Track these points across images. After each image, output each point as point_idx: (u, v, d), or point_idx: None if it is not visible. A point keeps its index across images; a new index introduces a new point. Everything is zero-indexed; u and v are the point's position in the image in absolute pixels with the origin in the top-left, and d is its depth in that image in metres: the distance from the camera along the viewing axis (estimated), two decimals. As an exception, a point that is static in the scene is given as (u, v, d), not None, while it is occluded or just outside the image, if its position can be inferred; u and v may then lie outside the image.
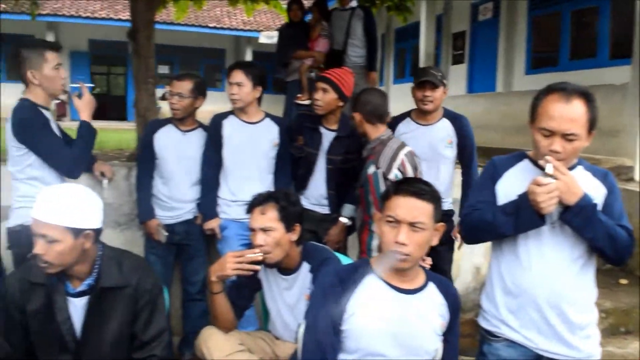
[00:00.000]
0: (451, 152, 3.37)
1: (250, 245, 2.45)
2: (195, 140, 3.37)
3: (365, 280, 1.97)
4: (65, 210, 2.00)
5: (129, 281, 2.15)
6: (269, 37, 16.98)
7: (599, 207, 1.96)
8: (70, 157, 2.76)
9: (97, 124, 2.97)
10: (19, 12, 13.41)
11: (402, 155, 2.87)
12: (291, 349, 2.44)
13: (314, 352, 1.93)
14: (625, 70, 6.82)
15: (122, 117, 17.41)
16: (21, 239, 2.66)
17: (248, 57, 18.54)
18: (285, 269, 2.49)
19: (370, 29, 5.82)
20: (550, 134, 1.90)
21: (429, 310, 1.99)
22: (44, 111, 2.79)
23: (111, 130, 9.09)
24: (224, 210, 3.31)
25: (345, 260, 2.71)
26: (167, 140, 3.35)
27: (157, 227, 3.31)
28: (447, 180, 3.38)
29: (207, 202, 3.33)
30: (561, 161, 1.89)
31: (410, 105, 3.42)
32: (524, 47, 10.06)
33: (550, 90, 1.94)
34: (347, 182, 3.26)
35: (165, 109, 3.70)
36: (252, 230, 2.40)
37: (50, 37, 15.54)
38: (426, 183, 1.99)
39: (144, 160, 3.40)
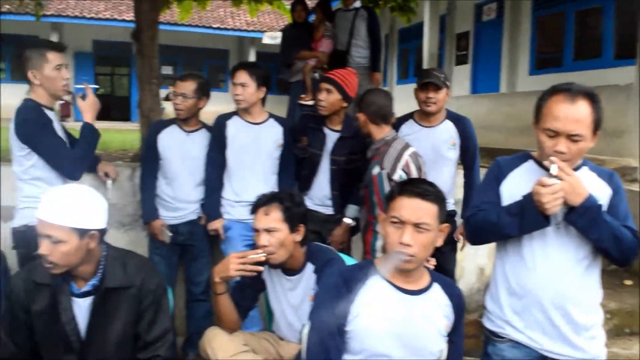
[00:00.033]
0: (454, 154, 3.38)
1: (254, 246, 2.45)
2: (199, 141, 3.37)
3: (369, 281, 1.96)
4: (70, 210, 2.00)
5: (133, 281, 2.16)
6: (272, 38, 17.00)
7: (604, 208, 1.95)
8: (71, 158, 2.75)
9: (100, 125, 2.97)
10: (24, 13, 13.48)
11: (406, 156, 2.87)
12: (295, 349, 2.44)
13: (318, 353, 1.93)
14: (629, 71, 6.80)
15: (126, 118, 17.44)
16: (26, 239, 2.66)
17: (251, 57, 18.55)
18: (289, 269, 2.49)
19: (374, 29, 5.83)
20: (555, 134, 1.90)
21: (434, 311, 1.98)
22: (47, 111, 2.79)
23: (115, 131, 9.10)
24: (228, 210, 3.31)
25: (349, 261, 2.71)
26: (170, 141, 3.35)
27: (161, 228, 3.32)
28: (450, 181, 3.38)
29: (211, 202, 3.33)
30: (566, 162, 1.89)
31: (414, 106, 3.42)
32: (528, 48, 10.05)
33: (555, 90, 1.94)
34: (351, 182, 3.26)
35: (169, 109, 3.70)
36: (256, 230, 2.40)
37: (54, 38, 15.56)
38: (430, 184, 1.99)
39: (148, 160, 3.40)
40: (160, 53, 4.50)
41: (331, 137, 3.30)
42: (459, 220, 3.41)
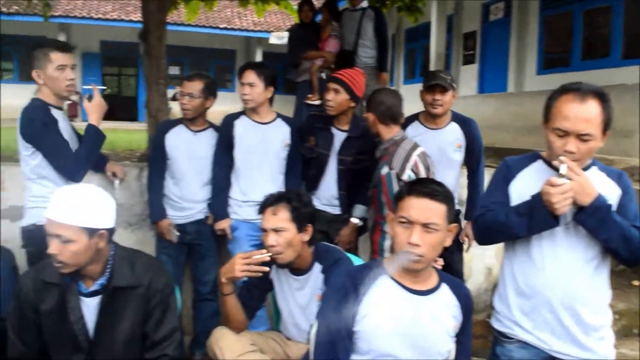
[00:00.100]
0: (459, 156, 3.38)
1: (261, 246, 2.45)
2: (206, 141, 3.38)
3: (377, 281, 1.96)
4: (79, 210, 2.01)
5: (141, 281, 2.16)
6: (279, 38, 17.00)
7: (614, 208, 1.94)
8: (73, 159, 2.73)
9: (108, 125, 2.97)
10: (32, 14, 13.55)
11: (415, 156, 2.86)
12: (302, 349, 2.44)
13: (326, 353, 1.92)
14: (637, 71, 6.78)
15: (133, 118, 17.50)
16: (35, 238, 2.67)
17: (258, 57, 18.57)
18: (297, 269, 2.49)
19: (381, 29, 5.82)
20: (565, 134, 1.89)
21: (442, 311, 1.97)
22: (54, 111, 2.79)
23: (122, 131, 9.15)
24: (235, 210, 3.32)
25: (356, 261, 2.70)
26: (178, 141, 3.36)
27: (168, 227, 3.33)
28: (454, 182, 3.37)
29: (218, 202, 3.33)
30: (575, 162, 1.88)
31: (421, 106, 3.41)
32: (536, 47, 10.01)
33: (564, 90, 1.93)
34: (358, 182, 3.25)
35: (176, 109, 3.71)
36: (264, 230, 2.40)
37: (62, 39, 15.63)
38: (439, 184, 1.98)
39: (155, 160, 3.41)
40: (167, 53, 4.52)
41: (339, 137, 3.30)
42: (463, 221, 3.41)
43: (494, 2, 11.18)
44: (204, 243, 3.42)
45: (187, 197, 3.37)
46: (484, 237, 2.15)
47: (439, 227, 1.87)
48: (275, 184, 3.27)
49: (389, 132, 2.99)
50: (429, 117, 3.36)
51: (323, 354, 1.94)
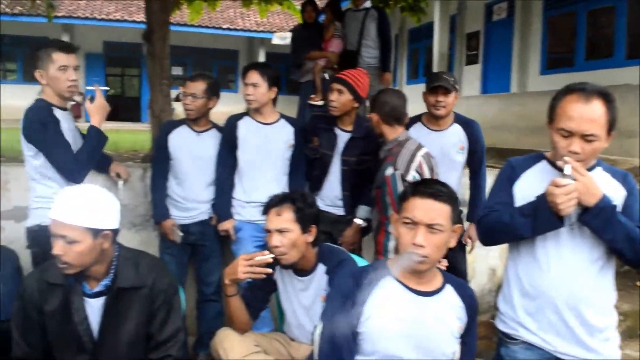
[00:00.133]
0: (462, 157, 3.38)
1: (264, 247, 2.45)
2: (210, 141, 3.38)
3: (382, 282, 1.96)
4: (84, 210, 2.01)
5: (145, 282, 2.16)
6: (282, 38, 17.02)
7: (619, 209, 1.94)
8: (73, 160, 2.72)
9: (111, 125, 2.97)
10: (35, 15, 13.57)
11: (419, 157, 2.85)
12: (307, 350, 2.44)
13: (331, 354, 1.92)
14: (640, 71, 6.75)
15: (136, 119, 17.56)
16: (39, 238, 2.68)
17: (261, 58, 18.58)
18: (301, 270, 2.49)
19: (384, 29, 5.81)
20: (569, 134, 1.88)
21: (447, 312, 1.97)
22: (58, 111, 2.79)
23: (125, 132, 9.16)
24: (239, 211, 3.32)
25: (360, 262, 2.70)
26: (181, 141, 3.36)
27: (172, 228, 3.33)
28: (456, 183, 3.37)
29: (222, 203, 3.33)
30: (580, 162, 1.87)
31: (424, 106, 3.40)
32: (539, 47, 9.99)
33: (569, 90, 1.93)
34: (362, 183, 3.25)
35: (179, 110, 3.72)
36: (268, 231, 2.40)
37: (65, 39, 15.64)
38: (443, 184, 1.98)
39: (159, 161, 3.42)
40: (170, 54, 4.52)
41: (342, 137, 3.29)
42: (465, 223, 3.41)
43: (497, 2, 11.16)
44: (207, 244, 3.42)
45: (190, 197, 3.37)
46: (488, 238, 2.14)
47: (443, 227, 1.87)
48: (279, 184, 3.28)
49: (393, 133, 2.99)
50: (431, 119, 3.36)
51: (327, 355, 1.94)
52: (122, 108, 17.17)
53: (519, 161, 2.14)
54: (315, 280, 2.48)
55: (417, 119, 3.42)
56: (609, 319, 2.05)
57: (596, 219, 1.89)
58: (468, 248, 3.47)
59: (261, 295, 2.57)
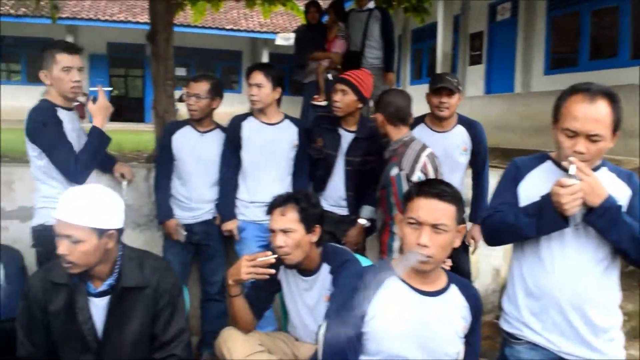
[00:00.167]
0: (465, 159, 3.39)
1: (268, 247, 2.45)
2: (213, 141, 3.39)
3: (386, 282, 1.96)
4: (89, 210, 2.02)
5: (150, 281, 2.17)
6: (285, 39, 17.02)
7: (624, 209, 1.93)
8: (74, 161, 2.71)
9: (115, 126, 2.98)
10: (39, 16, 13.61)
11: (424, 157, 2.85)
12: (311, 350, 2.44)
13: (335, 354, 1.92)
14: (646, 70, 6.73)
15: (140, 119, 17.58)
16: (43, 238, 2.70)
17: (264, 59, 18.58)
18: (305, 270, 2.49)
19: (388, 30, 5.81)
20: (574, 134, 1.88)
21: (451, 312, 1.97)
22: (61, 112, 2.79)
23: (129, 132, 9.16)
24: (242, 212, 3.32)
25: (364, 262, 2.70)
26: (185, 142, 3.36)
27: (176, 227, 3.33)
28: (459, 184, 3.36)
29: (225, 203, 3.33)
30: (585, 162, 1.87)
31: (428, 106, 3.40)
32: (543, 48, 9.97)
33: (574, 90, 1.92)
34: (366, 183, 3.25)
35: (182, 110, 3.72)
36: (272, 231, 2.40)
37: (69, 40, 15.67)
38: (448, 184, 1.97)
39: (162, 161, 3.42)
40: (174, 55, 4.52)
41: (346, 138, 3.29)
42: (468, 223, 3.40)
43: (500, 2, 11.14)
44: (211, 243, 3.42)
45: (194, 197, 3.38)
46: (493, 238, 2.14)
47: (448, 227, 1.86)
48: (283, 184, 3.28)
49: (397, 133, 2.99)
50: (435, 120, 3.36)
51: (331, 354, 1.94)
52: (126, 108, 17.23)
53: (524, 161, 2.13)
54: (320, 280, 2.48)
55: (420, 120, 3.42)
56: (614, 319, 2.04)
57: (601, 219, 1.88)
58: (471, 249, 3.47)
59: (265, 295, 2.57)
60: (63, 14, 14.89)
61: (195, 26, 12.03)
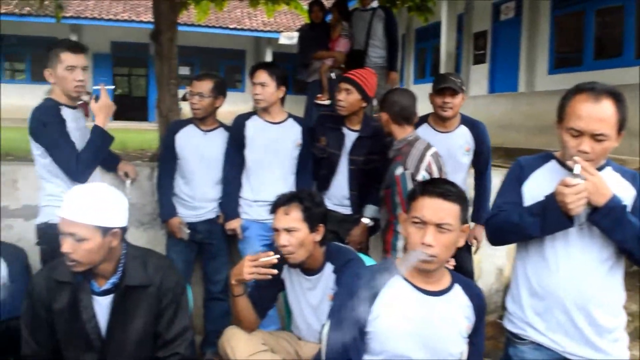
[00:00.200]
0: (468, 159, 3.39)
1: (271, 246, 2.45)
2: (217, 140, 3.39)
3: (390, 281, 1.95)
4: (94, 208, 2.02)
5: (153, 280, 2.17)
6: (289, 38, 17.03)
7: (628, 209, 1.92)
8: (75, 160, 2.71)
9: (118, 125, 2.99)
10: (43, 15, 13.65)
11: (428, 157, 2.84)
12: (314, 349, 2.44)
13: (339, 353, 1.92)
14: (651, 70, 6.70)
15: (144, 118, 17.62)
16: (47, 236, 2.71)
17: (268, 58, 18.60)
18: (308, 269, 2.49)
19: (391, 29, 5.81)
20: (579, 134, 1.87)
21: (455, 312, 1.96)
22: (65, 110, 2.80)
23: (132, 131, 9.18)
24: (246, 210, 3.32)
25: (367, 261, 2.70)
26: (188, 140, 3.37)
27: (179, 225, 3.33)
28: (461, 184, 3.36)
29: (229, 202, 3.33)
30: (590, 162, 1.86)
31: (431, 106, 3.40)
32: (547, 47, 9.95)
33: (578, 89, 1.92)
34: (369, 182, 3.25)
35: (186, 109, 3.73)
36: (276, 230, 2.40)
37: (73, 39, 15.71)
38: (452, 184, 1.97)
39: (165, 160, 3.43)
40: (178, 54, 4.53)
41: (350, 137, 3.29)
42: (470, 223, 3.40)
43: (504, 1, 11.13)
44: (215, 242, 3.43)
45: (198, 196, 3.38)
46: (497, 238, 2.13)
47: (452, 227, 1.86)
48: (287, 183, 3.28)
49: (402, 132, 2.98)
50: (438, 120, 3.35)
51: (335, 354, 1.94)
52: (130, 107, 17.25)
53: (528, 161, 2.13)
54: (323, 279, 2.48)
55: (423, 120, 3.41)
56: (618, 319, 2.03)
57: (606, 219, 1.88)
58: (473, 249, 3.46)
59: (269, 294, 2.57)
60: (67, 13, 14.93)
61: (199, 25, 12.03)
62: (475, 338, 2.03)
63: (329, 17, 6.14)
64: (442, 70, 10.09)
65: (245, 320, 2.45)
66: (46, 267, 2.28)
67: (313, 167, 3.40)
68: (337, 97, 3.24)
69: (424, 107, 3.45)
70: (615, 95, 1.88)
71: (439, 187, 1.91)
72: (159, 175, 3.45)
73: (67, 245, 2.01)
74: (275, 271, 2.37)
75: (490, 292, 4.27)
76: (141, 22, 16.58)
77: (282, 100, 3.32)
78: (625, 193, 1.96)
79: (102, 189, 2.12)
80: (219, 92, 3.35)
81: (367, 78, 3.23)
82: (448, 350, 1.95)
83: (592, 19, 9.08)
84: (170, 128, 3.50)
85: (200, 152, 3.35)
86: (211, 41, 18.63)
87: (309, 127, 3.42)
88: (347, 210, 3.33)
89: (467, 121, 3.38)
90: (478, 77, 11.79)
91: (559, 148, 2.02)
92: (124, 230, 2.14)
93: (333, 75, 5.78)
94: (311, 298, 2.51)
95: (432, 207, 1.86)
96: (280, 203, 2.42)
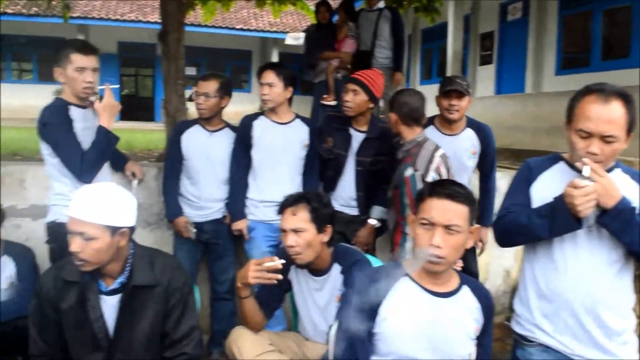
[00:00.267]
0: (473, 162, 3.39)
1: (278, 247, 2.45)
2: (222, 140, 3.39)
3: (398, 283, 1.95)
4: (103, 208, 2.02)
5: (160, 280, 2.17)
6: (295, 39, 17.03)
7: (637, 211, 1.91)
8: (79, 160, 2.70)
9: (125, 125, 2.99)
10: (51, 15, 13.71)
11: (437, 158, 2.84)
12: (321, 350, 2.44)
13: (346, 354, 1.92)
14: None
15: (150, 118, 17.68)
16: (55, 235, 2.72)
17: (274, 58, 18.63)
18: (316, 270, 2.49)
19: (398, 30, 5.80)
20: (588, 135, 1.87)
21: (463, 314, 1.96)
22: (76, 110, 2.80)
23: (139, 131, 9.21)
24: (252, 211, 3.32)
25: (374, 262, 2.69)
26: (194, 141, 3.37)
27: (185, 224, 3.34)
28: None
29: (235, 202, 3.34)
30: (599, 163, 1.85)
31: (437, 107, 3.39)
32: (554, 47, 9.92)
33: (588, 91, 1.91)
34: (376, 183, 3.25)
35: (192, 110, 3.73)
36: (283, 231, 2.40)
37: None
38: (460, 185, 1.96)
39: (171, 160, 3.43)
40: (184, 54, 4.54)
41: (357, 138, 3.29)
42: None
43: (511, 2, 11.09)
44: (221, 242, 3.43)
45: (204, 196, 3.38)
46: (505, 239, 2.12)
47: (460, 228, 1.85)
48: (293, 184, 3.27)
49: (411, 133, 2.98)
50: (444, 123, 3.35)
51: (342, 355, 1.94)
52: (137, 108, 17.33)
53: (537, 162, 2.12)
54: (330, 280, 2.48)
55: (429, 122, 3.41)
56: (627, 322, 2.02)
57: (615, 221, 1.87)
58: (478, 250, 3.46)
59: (276, 294, 2.56)
60: (74, 14, 14.99)
61: (206, 26, 12.08)
62: (483, 340, 2.02)
63: (336, 18, 6.14)
64: (449, 71, 10.06)
65: (252, 320, 2.45)
66: (54, 267, 2.29)
67: (320, 168, 3.39)
68: (344, 98, 3.24)
69: (432, 107, 3.45)
70: (625, 97, 1.87)
71: (448, 188, 1.90)
72: (164, 175, 3.46)
73: (75, 245, 2.01)
74: (279, 276, 2.35)
75: (498, 293, 4.25)
76: (148, 22, 16.64)
77: (290, 100, 3.31)
78: (635, 195, 1.94)
79: (111, 189, 2.12)
80: (225, 92, 3.35)
81: (374, 79, 3.22)
82: (456, 352, 1.94)
83: (599, 20, 9.04)
84: (176, 128, 3.51)
85: (205, 152, 3.35)
86: (218, 41, 18.66)
87: (316, 128, 3.42)
88: (354, 211, 3.33)
89: (473, 124, 3.38)
90: (485, 78, 11.76)
91: (567, 149, 2.01)
92: (132, 230, 2.14)
93: (339, 75, 5.77)
94: (318, 299, 2.51)
95: (441, 209, 1.85)
96: (287, 204, 2.42)
